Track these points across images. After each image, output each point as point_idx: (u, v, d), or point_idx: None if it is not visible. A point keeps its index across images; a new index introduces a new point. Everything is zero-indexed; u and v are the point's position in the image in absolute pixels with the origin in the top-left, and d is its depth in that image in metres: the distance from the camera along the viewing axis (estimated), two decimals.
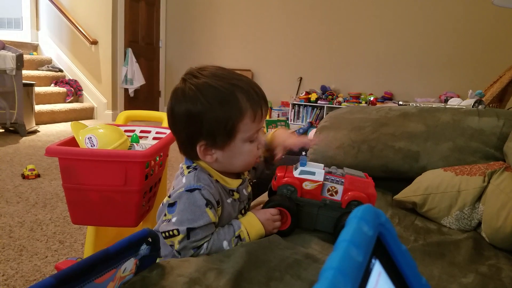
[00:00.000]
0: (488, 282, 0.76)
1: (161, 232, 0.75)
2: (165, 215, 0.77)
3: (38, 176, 2.57)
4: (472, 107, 1.92)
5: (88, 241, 1.31)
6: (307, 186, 0.85)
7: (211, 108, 0.73)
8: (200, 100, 0.73)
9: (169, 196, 0.77)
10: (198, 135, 0.76)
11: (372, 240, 0.26)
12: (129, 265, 0.60)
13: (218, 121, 0.73)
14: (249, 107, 0.75)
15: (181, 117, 0.76)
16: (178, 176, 0.81)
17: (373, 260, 0.26)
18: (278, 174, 0.87)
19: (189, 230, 0.72)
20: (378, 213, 0.28)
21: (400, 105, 3.03)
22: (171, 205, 0.76)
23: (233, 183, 0.82)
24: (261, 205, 0.87)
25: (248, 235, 0.78)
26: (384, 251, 0.28)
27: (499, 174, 1.05)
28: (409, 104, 2.84)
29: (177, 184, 0.78)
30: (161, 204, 0.82)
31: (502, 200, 0.96)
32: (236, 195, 0.83)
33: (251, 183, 0.91)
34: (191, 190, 0.74)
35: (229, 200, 0.81)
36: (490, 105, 2.21)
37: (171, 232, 0.73)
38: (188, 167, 0.80)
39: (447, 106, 1.69)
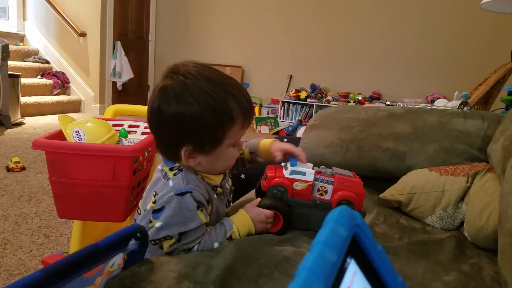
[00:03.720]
0: (469, 280, 0.78)
1: (150, 240, 0.71)
2: (150, 221, 0.74)
3: (23, 169, 2.54)
4: (458, 108, 1.95)
5: (74, 236, 1.30)
6: (297, 186, 0.85)
7: (203, 115, 0.70)
8: (193, 104, 0.70)
9: (154, 202, 0.74)
10: (185, 140, 0.73)
11: (346, 241, 0.27)
12: (118, 260, 0.61)
13: (209, 129, 0.72)
14: (240, 114, 0.73)
15: (169, 119, 0.72)
16: (159, 180, 0.77)
17: (348, 260, 0.27)
18: (269, 175, 0.87)
19: (181, 234, 0.71)
20: (354, 214, 0.29)
21: (388, 105, 3.07)
22: (157, 210, 0.73)
23: (217, 179, 0.81)
24: (252, 201, 0.87)
25: (239, 235, 0.78)
26: (360, 251, 0.29)
27: (482, 175, 1.08)
28: (397, 105, 2.87)
29: (162, 188, 0.74)
30: (141, 211, 0.79)
31: (485, 200, 0.99)
32: (220, 190, 0.82)
33: (230, 176, 0.91)
34: (181, 194, 0.72)
35: (214, 196, 0.80)
36: (475, 107, 2.26)
37: (162, 239, 0.71)
38: (171, 169, 0.77)
39: (433, 107, 1.71)
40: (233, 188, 0.91)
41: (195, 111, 0.70)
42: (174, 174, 0.75)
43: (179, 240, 0.71)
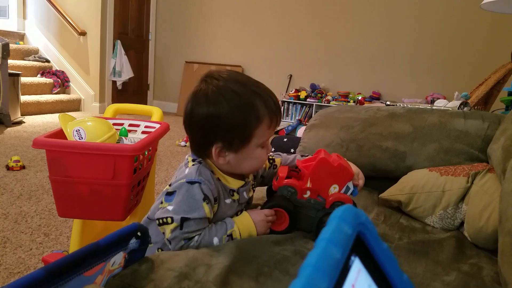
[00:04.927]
0: (469, 280, 0.78)
1: (156, 219, 0.76)
2: (161, 202, 0.78)
3: (23, 167, 2.54)
4: (458, 109, 1.96)
5: (74, 234, 1.30)
6: (335, 188, 0.86)
7: (232, 114, 0.76)
8: (222, 104, 0.76)
9: (170, 185, 0.79)
10: (215, 138, 0.78)
11: (351, 238, 0.27)
12: (118, 258, 0.61)
13: (237, 126, 0.76)
14: (267, 114, 0.78)
15: (200, 119, 0.78)
16: (181, 166, 0.83)
17: (352, 257, 0.27)
18: (280, 175, 0.88)
19: (183, 220, 0.73)
20: (358, 213, 0.29)
21: (388, 105, 3.07)
22: (169, 193, 0.77)
23: (234, 184, 0.84)
24: (259, 206, 0.87)
25: (240, 235, 0.79)
26: (365, 249, 0.29)
27: (482, 175, 1.08)
28: (397, 105, 2.87)
29: (180, 174, 0.80)
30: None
31: (485, 201, 0.99)
32: (236, 196, 0.84)
33: (254, 188, 0.92)
34: (191, 183, 0.76)
35: (227, 201, 0.82)
36: (475, 107, 2.26)
37: (165, 220, 0.75)
38: (193, 160, 0.82)
39: (433, 108, 1.71)
40: (252, 200, 0.93)
41: (224, 109, 0.76)
42: (193, 165, 0.80)
43: (181, 227, 0.74)
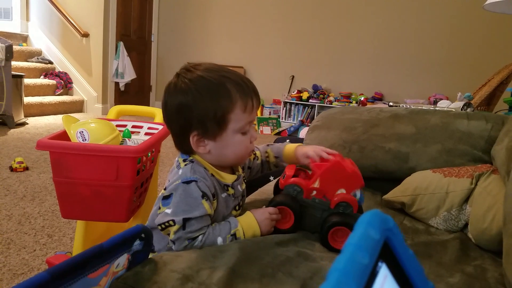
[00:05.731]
0: (473, 282, 0.78)
1: (158, 224, 0.76)
2: (159, 208, 0.77)
3: (26, 169, 2.55)
4: (461, 110, 1.95)
5: (78, 236, 1.30)
6: (340, 190, 0.86)
7: (202, 98, 0.75)
8: (191, 91, 0.75)
9: (165, 189, 0.78)
10: (190, 126, 0.77)
11: (378, 244, 0.27)
12: (122, 260, 0.61)
13: (209, 110, 0.76)
14: (239, 97, 0.77)
15: (174, 110, 0.78)
16: (173, 169, 0.82)
17: (379, 263, 0.27)
18: (287, 173, 0.88)
19: (185, 221, 0.73)
20: (386, 218, 0.29)
21: (391, 106, 3.06)
22: (166, 197, 0.77)
23: (228, 178, 0.84)
24: (264, 206, 0.87)
25: (244, 235, 0.78)
26: (391, 255, 0.29)
27: (486, 176, 1.07)
28: (400, 106, 2.86)
29: (173, 176, 0.79)
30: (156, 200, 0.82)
31: (489, 202, 0.98)
32: (231, 191, 0.84)
33: (245, 180, 0.92)
34: (187, 182, 0.75)
35: (223, 195, 0.82)
36: (478, 108, 2.25)
37: (167, 223, 0.74)
38: (184, 160, 0.81)
39: (436, 109, 1.71)
40: (245, 192, 0.93)
41: (194, 95, 0.75)
42: (185, 165, 0.80)
43: (184, 228, 0.73)
